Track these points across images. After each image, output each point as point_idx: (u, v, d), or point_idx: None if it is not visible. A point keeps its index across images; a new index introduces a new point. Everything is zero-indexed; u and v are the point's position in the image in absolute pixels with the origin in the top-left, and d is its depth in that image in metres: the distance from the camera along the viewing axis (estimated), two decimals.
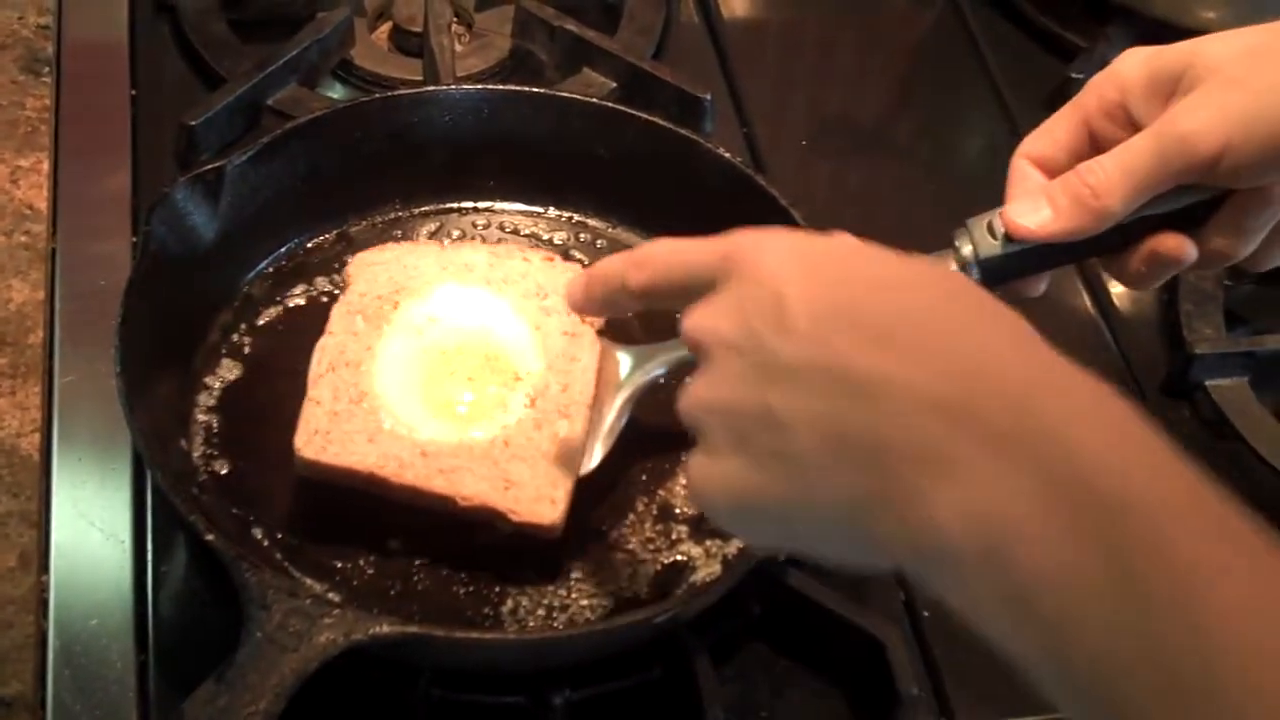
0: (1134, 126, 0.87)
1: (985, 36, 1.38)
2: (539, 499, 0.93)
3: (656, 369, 0.94)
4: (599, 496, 0.98)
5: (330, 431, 0.95)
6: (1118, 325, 1.16)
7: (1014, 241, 0.88)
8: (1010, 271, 0.90)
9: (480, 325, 1.02)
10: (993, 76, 1.34)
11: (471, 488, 0.93)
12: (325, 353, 0.99)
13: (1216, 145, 0.82)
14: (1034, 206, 0.87)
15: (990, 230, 0.89)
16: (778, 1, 1.47)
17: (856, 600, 0.94)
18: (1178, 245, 0.87)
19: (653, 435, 1.01)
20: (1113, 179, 0.84)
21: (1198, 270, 0.91)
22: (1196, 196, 0.86)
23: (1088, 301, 1.18)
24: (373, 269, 1.03)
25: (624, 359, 0.95)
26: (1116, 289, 1.19)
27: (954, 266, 0.89)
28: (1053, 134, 0.90)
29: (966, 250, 0.89)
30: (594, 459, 0.95)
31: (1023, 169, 0.90)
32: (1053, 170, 0.89)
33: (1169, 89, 0.86)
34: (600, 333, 1.02)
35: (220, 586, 0.88)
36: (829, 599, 0.93)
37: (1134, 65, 0.88)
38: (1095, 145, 0.89)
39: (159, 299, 0.96)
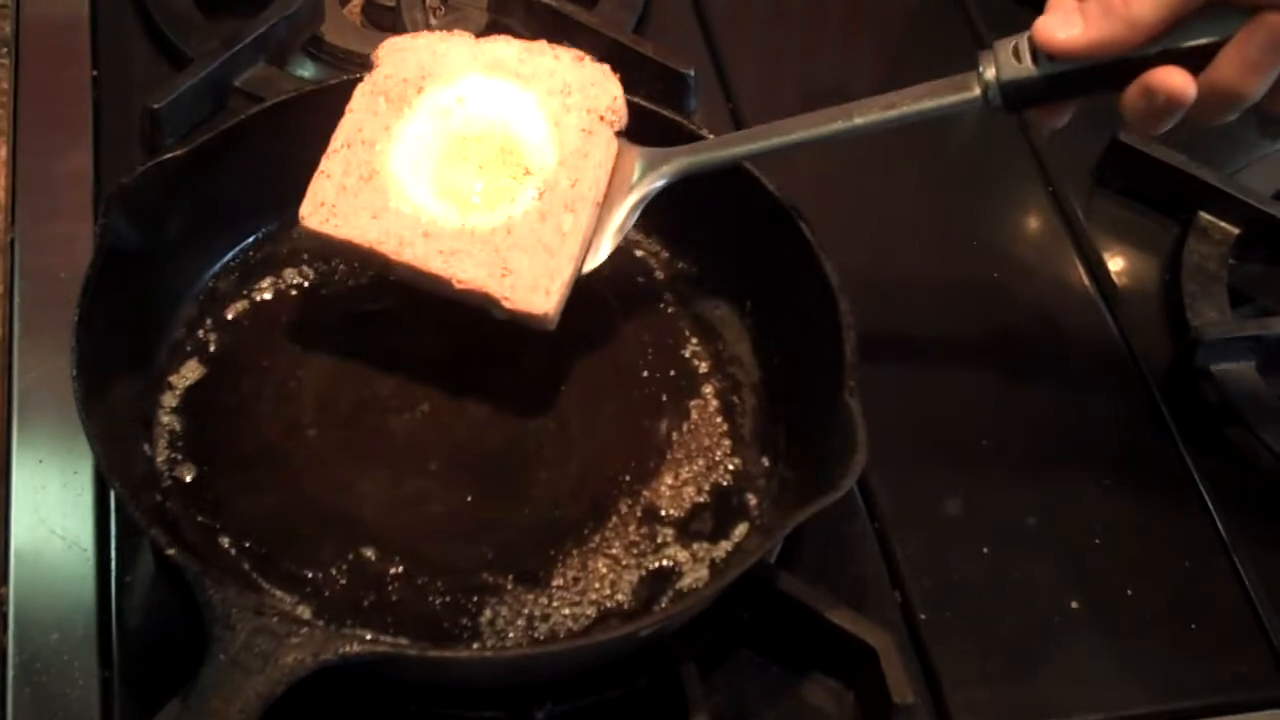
0: None
1: (978, 5, 1.34)
2: (534, 288, 0.93)
3: (670, 172, 0.98)
4: (579, 497, 0.95)
5: (336, 205, 0.95)
6: (1118, 307, 1.13)
7: (1040, 63, 0.88)
8: (1032, 96, 0.90)
9: (500, 115, 1.00)
10: (985, 45, 1.30)
11: (469, 271, 0.93)
12: (343, 129, 0.98)
13: None
14: (1065, 19, 0.86)
15: (1015, 53, 0.89)
16: None
17: (850, 605, 0.90)
18: (1175, 79, 0.85)
19: (634, 433, 0.98)
20: None
21: (1204, 118, 0.87)
22: (1221, 32, 0.84)
23: (1087, 281, 1.14)
24: (402, 54, 1.01)
25: (639, 160, 0.98)
26: (1116, 269, 1.15)
27: (977, 89, 0.90)
28: None
29: (990, 74, 0.90)
30: (600, 255, 0.97)
31: (1066, 3, 0.88)
32: None
33: None
34: (619, 133, 1.00)
35: (189, 597, 0.85)
36: (821, 603, 0.90)
37: None
38: None
39: (118, 295, 0.92)
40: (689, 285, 1.06)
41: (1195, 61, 0.85)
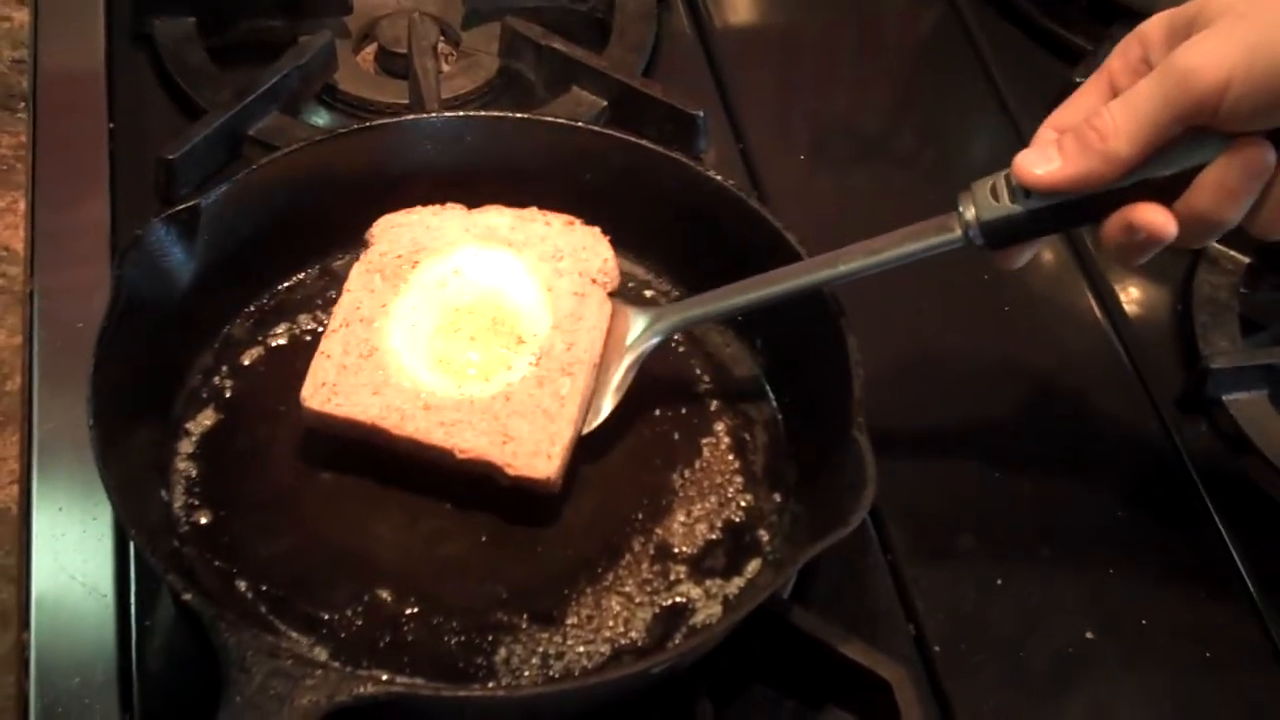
0: None
1: (986, 39, 1.35)
2: (536, 453, 0.94)
3: (664, 329, 1.00)
4: (593, 535, 0.96)
5: (337, 384, 0.96)
6: (1129, 338, 1.13)
7: (1018, 200, 0.89)
8: (1012, 233, 0.91)
9: (493, 285, 1.03)
10: (995, 80, 1.31)
11: (470, 441, 0.95)
12: (341, 309, 1.00)
13: (1220, 78, 0.81)
14: (1043, 155, 0.87)
15: (993, 192, 0.90)
16: (771, 9, 1.43)
17: (864, 638, 0.90)
18: (1156, 217, 0.86)
19: (647, 471, 0.99)
20: (1118, 120, 0.84)
21: (1182, 244, 0.88)
22: (1200, 158, 0.85)
23: (1099, 312, 1.14)
24: (396, 230, 1.04)
25: (635, 319, 1.01)
26: (1127, 299, 1.15)
27: (958, 230, 0.91)
28: (1079, 102, 0.90)
29: (970, 214, 0.90)
30: (600, 415, 0.99)
31: (1044, 135, 0.90)
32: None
33: (1184, 35, 0.85)
34: (611, 294, 1.03)
35: (207, 641, 0.85)
36: (834, 638, 0.90)
37: (1155, 21, 0.88)
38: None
39: (134, 345, 0.93)
40: (687, 330, 1.06)
41: (1171, 190, 0.86)
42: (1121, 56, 0.89)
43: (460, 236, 1.04)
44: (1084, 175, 0.86)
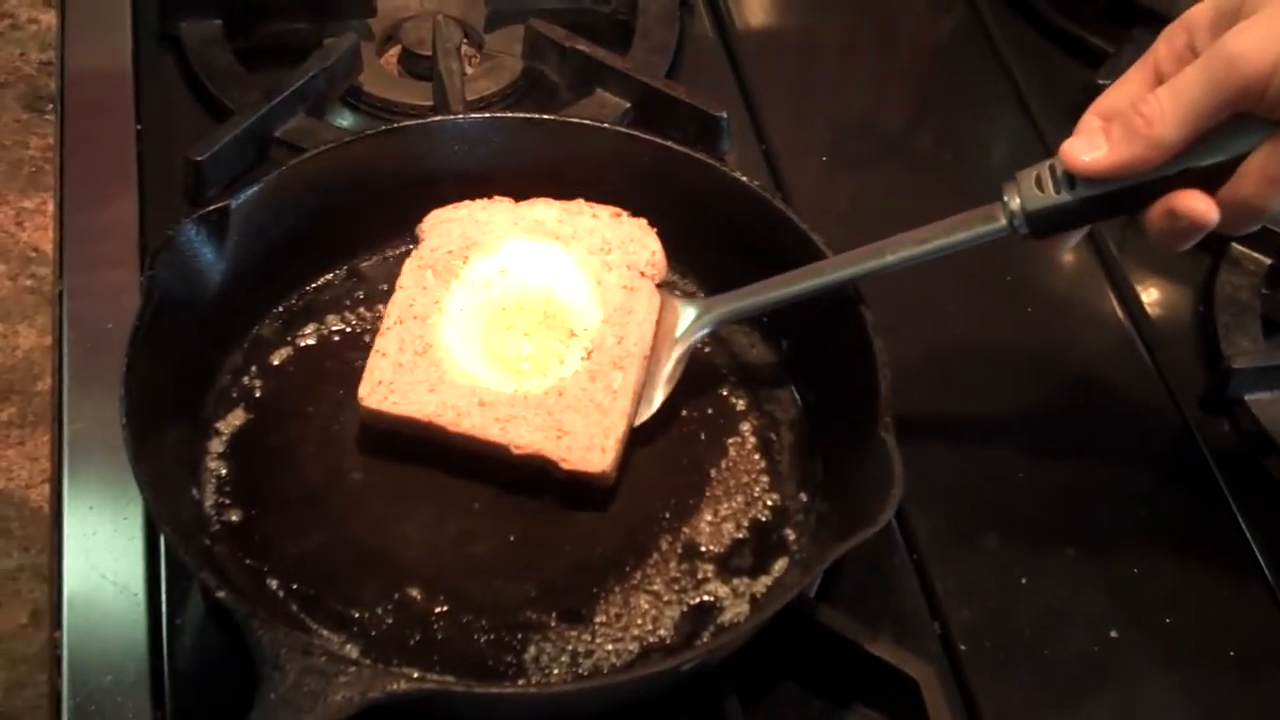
0: None
1: (1007, 41, 1.35)
2: (590, 447, 0.96)
3: (712, 321, 1.02)
4: (621, 534, 0.96)
5: (393, 382, 0.98)
6: (1152, 338, 1.13)
7: (1062, 191, 0.89)
8: (1057, 222, 0.91)
9: (544, 280, 1.04)
10: (1016, 82, 1.31)
11: (525, 437, 0.96)
12: (394, 306, 1.02)
13: (1266, 65, 0.82)
14: (1090, 142, 0.88)
15: (1038, 182, 0.90)
16: (792, 11, 1.44)
17: (890, 636, 0.91)
18: (1198, 204, 0.87)
19: (674, 471, 0.99)
20: (1165, 106, 0.84)
21: (1225, 230, 0.89)
22: (1244, 146, 0.85)
23: (1121, 314, 1.15)
24: (446, 225, 1.05)
25: (684, 311, 1.02)
26: (1149, 300, 1.16)
27: (1003, 220, 0.92)
28: (1124, 88, 0.90)
29: (1015, 204, 0.91)
30: (652, 407, 1.00)
31: (1090, 121, 0.90)
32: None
33: (1230, 22, 0.85)
34: (659, 286, 1.04)
35: (238, 638, 0.87)
36: (861, 636, 0.90)
37: (1200, 8, 0.88)
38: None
39: (166, 345, 0.94)
40: (726, 324, 1.07)
41: (1215, 177, 0.86)
42: (1167, 43, 0.90)
43: (509, 230, 1.05)
44: (1130, 162, 0.86)
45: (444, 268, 1.03)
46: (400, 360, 0.99)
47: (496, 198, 1.07)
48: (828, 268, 0.98)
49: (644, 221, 1.06)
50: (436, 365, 0.99)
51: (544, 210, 1.07)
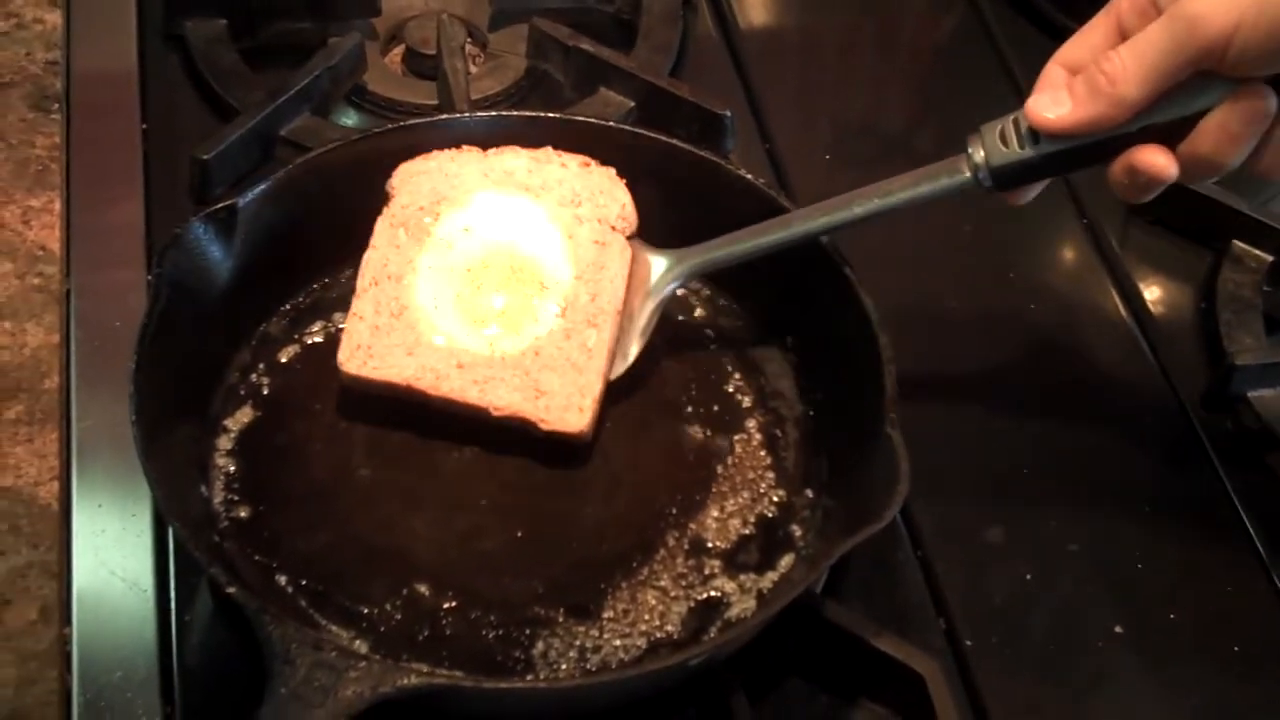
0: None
1: (1008, 41, 1.36)
2: (568, 407, 0.97)
3: (685, 273, 1.02)
4: (628, 530, 0.97)
5: (372, 346, 0.99)
6: (1154, 335, 1.14)
7: (1025, 145, 0.91)
8: (1020, 176, 0.93)
9: (515, 236, 1.04)
10: (1017, 81, 1.32)
11: (504, 398, 0.97)
12: (369, 266, 1.02)
13: (1228, 24, 0.83)
14: (1054, 99, 0.89)
15: (1002, 137, 0.92)
16: (795, 11, 1.44)
17: (896, 632, 0.92)
18: (1158, 159, 0.88)
19: (680, 467, 1.00)
20: (1128, 65, 0.86)
21: (1187, 180, 0.90)
22: (1205, 103, 0.87)
23: (1123, 311, 1.15)
24: (415, 179, 1.05)
25: (656, 262, 1.03)
26: (1151, 298, 1.16)
27: (967, 172, 0.94)
28: (1086, 38, 0.92)
29: (979, 157, 0.93)
30: (626, 361, 1.01)
31: (1053, 72, 0.92)
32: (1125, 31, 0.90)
33: None
34: (630, 238, 1.04)
35: (247, 634, 0.87)
36: (867, 631, 0.91)
37: None
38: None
39: (174, 342, 0.94)
40: (731, 322, 1.08)
41: (1175, 133, 0.88)
42: None
43: (479, 183, 1.05)
44: (1093, 118, 0.88)
45: (415, 225, 1.03)
46: (377, 323, 1.00)
47: (465, 148, 1.06)
48: (796, 220, 0.99)
49: (613, 171, 1.06)
50: (413, 327, 1.00)
51: (513, 160, 1.06)
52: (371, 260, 1.02)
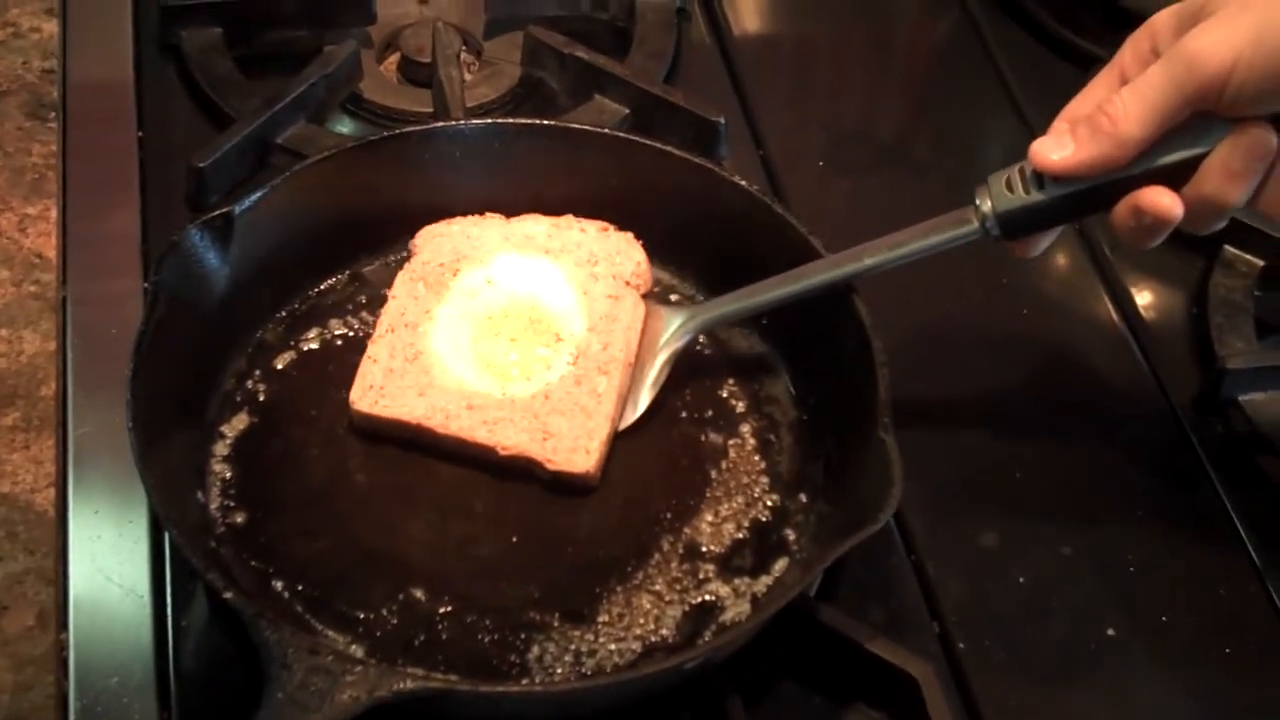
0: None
1: (1001, 46, 1.36)
2: (575, 449, 0.98)
3: (698, 327, 1.04)
4: (623, 535, 0.97)
5: (384, 386, 1.00)
6: (1146, 340, 1.14)
7: (1031, 192, 0.92)
8: (1027, 223, 0.94)
9: (532, 290, 1.06)
10: (1010, 88, 1.33)
11: (512, 438, 0.98)
12: (387, 315, 1.04)
13: (1225, 63, 0.84)
14: (1058, 141, 0.90)
15: (1008, 184, 0.93)
16: (789, 18, 1.45)
17: (890, 635, 0.92)
18: (1163, 200, 0.89)
19: (675, 472, 1.00)
20: (1129, 105, 0.87)
21: (1191, 228, 0.91)
22: (1206, 144, 0.88)
23: (1115, 316, 1.16)
24: (438, 240, 1.08)
25: (668, 318, 1.05)
26: (1143, 303, 1.17)
27: (975, 222, 0.94)
28: (1092, 93, 0.93)
29: (986, 206, 0.94)
30: (637, 411, 1.02)
31: (1059, 128, 0.92)
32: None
33: (1193, 24, 0.87)
34: (645, 296, 1.06)
35: (243, 639, 0.87)
36: (861, 635, 0.91)
37: (1164, 14, 0.91)
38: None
39: (170, 350, 0.94)
40: (725, 328, 1.08)
41: (1180, 176, 0.89)
42: (1132, 49, 0.92)
43: (499, 245, 1.08)
44: (1097, 159, 0.89)
45: (435, 279, 1.05)
46: (391, 366, 1.01)
47: (489, 214, 1.09)
48: (807, 273, 1.00)
49: (630, 235, 1.08)
50: (426, 371, 1.01)
51: (533, 225, 1.09)
52: (390, 309, 1.04)
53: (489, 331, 1.04)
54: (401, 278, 1.06)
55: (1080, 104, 0.93)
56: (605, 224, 1.08)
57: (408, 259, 1.07)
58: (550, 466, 0.97)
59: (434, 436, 0.99)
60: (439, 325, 1.03)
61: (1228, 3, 0.86)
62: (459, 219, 1.09)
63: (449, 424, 0.99)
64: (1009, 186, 0.93)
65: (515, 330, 1.04)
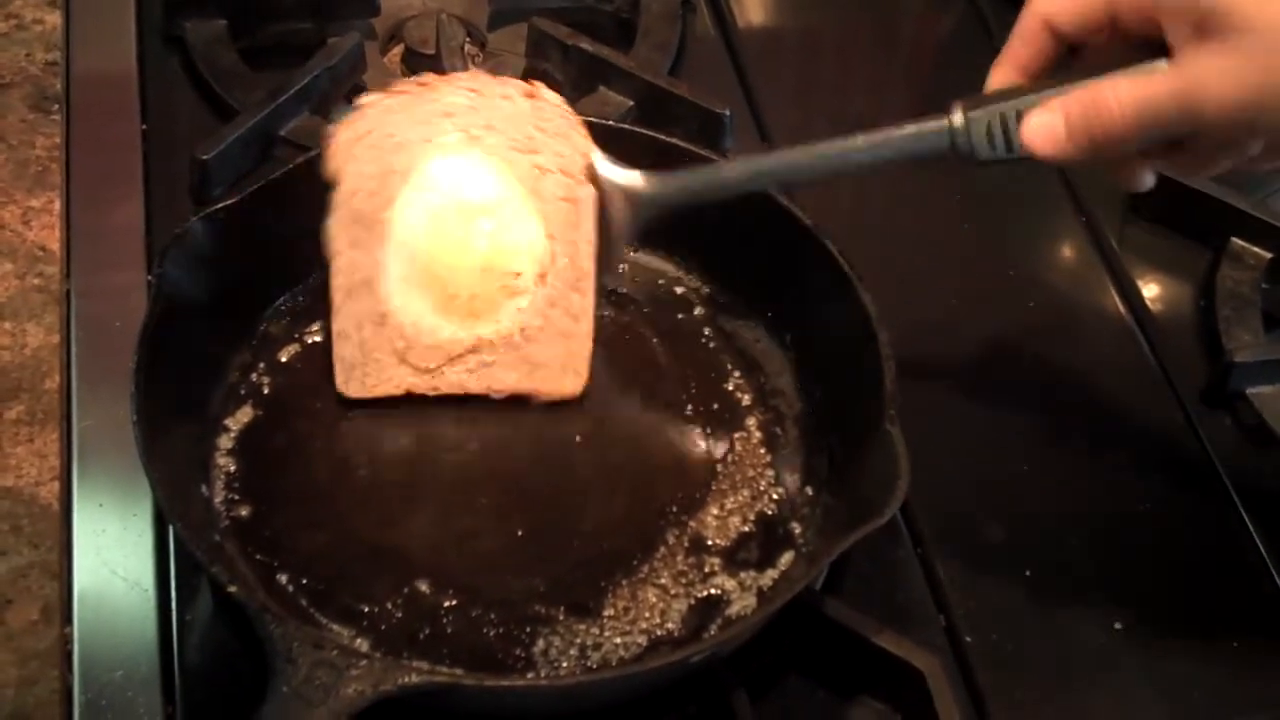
0: (1151, 21, 0.87)
1: (1006, 36, 1.35)
2: (564, 374, 1.00)
3: (652, 211, 1.00)
4: (627, 529, 0.97)
5: (365, 364, 0.99)
6: (1153, 332, 1.14)
7: (1015, 151, 0.91)
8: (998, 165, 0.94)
9: (477, 210, 1.00)
10: None
11: (501, 380, 1.00)
12: (339, 276, 1.00)
13: (1232, 114, 0.84)
14: (1051, 130, 0.89)
15: (989, 136, 0.92)
16: (794, 10, 1.45)
17: (896, 629, 0.92)
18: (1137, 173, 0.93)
19: (679, 465, 1.00)
20: (1127, 115, 0.86)
21: (1185, 177, 0.97)
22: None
23: (1122, 308, 1.15)
24: (356, 152, 0.99)
25: (625, 207, 1.00)
26: (1150, 295, 1.16)
27: (947, 139, 0.93)
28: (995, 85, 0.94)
29: (963, 142, 0.93)
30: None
31: (1030, 26, 0.93)
32: (1058, 31, 0.92)
33: (1195, 17, 0.85)
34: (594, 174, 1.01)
35: (247, 633, 0.87)
36: (867, 628, 0.91)
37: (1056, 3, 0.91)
38: (1110, 8, 0.89)
39: (175, 343, 0.94)
40: (730, 319, 1.08)
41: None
42: (1021, 39, 0.94)
43: (422, 147, 0.99)
44: (1085, 154, 0.88)
45: (370, 217, 0.99)
46: (362, 338, 1.00)
47: (398, 86, 1.01)
48: (766, 162, 1.02)
49: (562, 103, 1.01)
50: (398, 332, 1.00)
51: (451, 97, 1.00)
52: (340, 268, 1.00)
53: (447, 269, 1.00)
54: (336, 226, 0.99)
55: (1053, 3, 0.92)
56: (530, 87, 1.01)
57: (333, 191, 0.99)
58: (543, 396, 0.99)
59: (425, 398, 1.00)
60: (391, 276, 1.00)
61: (1243, 33, 0.83)
62: (366, 109, 1.00)
63: (438, 384, 1.00)
64: (989, 138, 0.92)
65: (473, 261, 1.00)
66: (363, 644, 0.89)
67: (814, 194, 1.17)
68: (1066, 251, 1.20)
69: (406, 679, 0.79)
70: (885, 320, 0.97)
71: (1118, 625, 0.98)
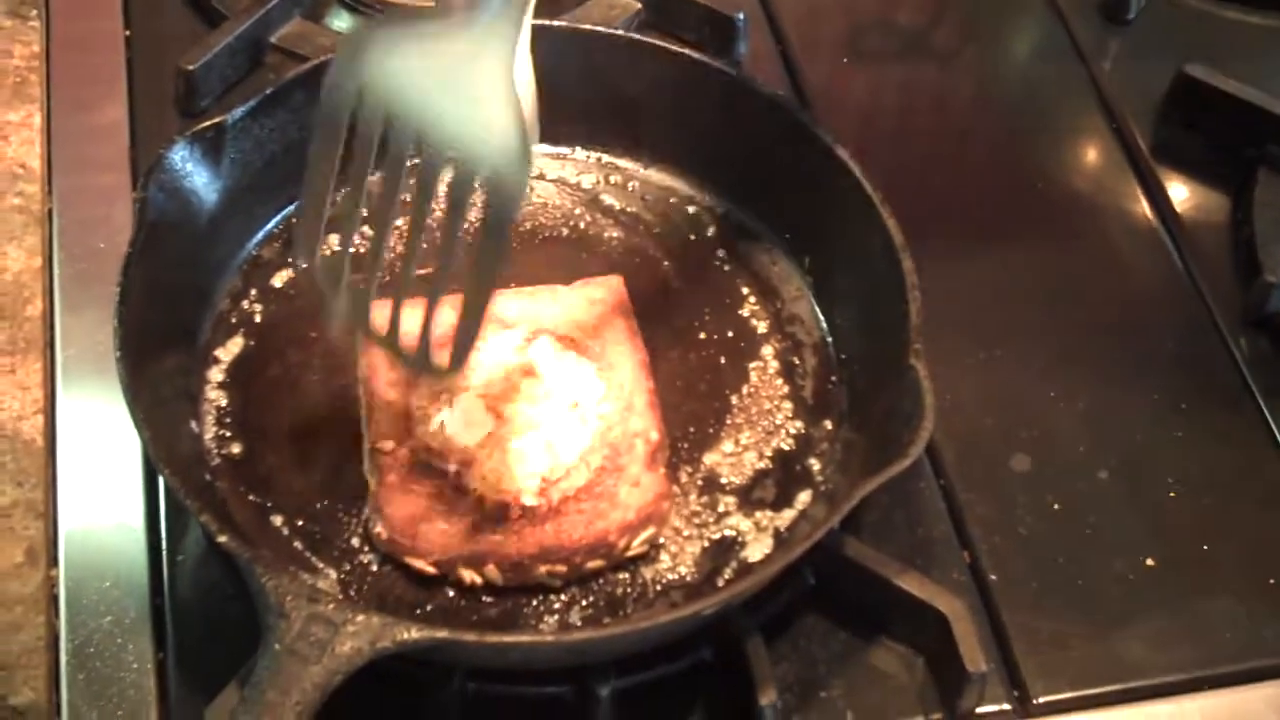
0: None
1: None
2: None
3: None
4: None
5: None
6: (1188, 250, 1.10)
7: None
8: None
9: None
10: None
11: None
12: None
13: None
14: None
15: None
16: None
17: (919, 567, 0.88)
18: None
19: (692, 398, 0.97)
20: None
21: None
22: None
23: (1156, 224, 1.11)
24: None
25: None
26: (1183, 206, 1.12)
27: None
28: None
29: None
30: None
31: None
32: None
33: None
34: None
35: (242, 575, 0.83)
36: (889, 569, 0.88)
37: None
38: None
39: (161, 270, 0.91)
40: (745, 241, 1.04)
41: None
42: None
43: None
44: None
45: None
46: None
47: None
48: None
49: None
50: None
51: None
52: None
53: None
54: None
55: None
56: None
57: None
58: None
59: None
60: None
61: None
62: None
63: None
64: None
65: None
66: (357, 599, 0.86)
67: (830, 99, 1.14)
68: (1097, 163, 1.15)
69: (406, 635, 0.75)
70: (910, 244, 0.93)
71: (1150, 561, 0.94)
